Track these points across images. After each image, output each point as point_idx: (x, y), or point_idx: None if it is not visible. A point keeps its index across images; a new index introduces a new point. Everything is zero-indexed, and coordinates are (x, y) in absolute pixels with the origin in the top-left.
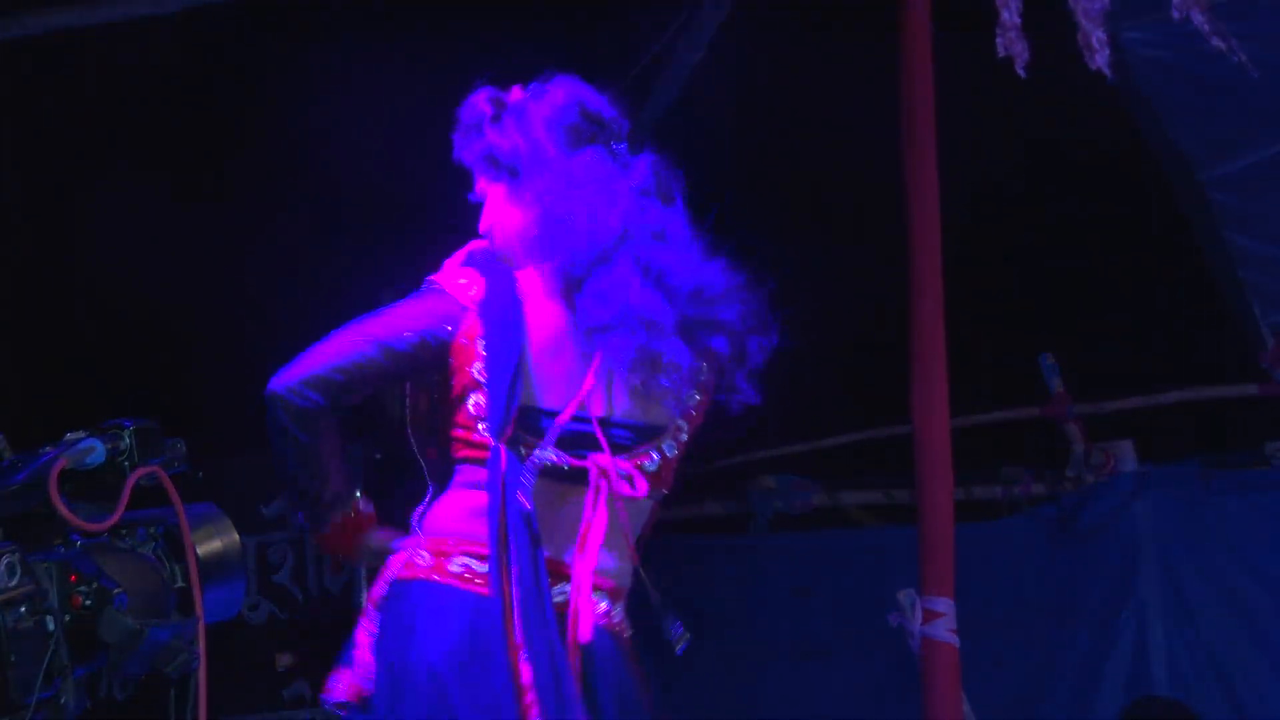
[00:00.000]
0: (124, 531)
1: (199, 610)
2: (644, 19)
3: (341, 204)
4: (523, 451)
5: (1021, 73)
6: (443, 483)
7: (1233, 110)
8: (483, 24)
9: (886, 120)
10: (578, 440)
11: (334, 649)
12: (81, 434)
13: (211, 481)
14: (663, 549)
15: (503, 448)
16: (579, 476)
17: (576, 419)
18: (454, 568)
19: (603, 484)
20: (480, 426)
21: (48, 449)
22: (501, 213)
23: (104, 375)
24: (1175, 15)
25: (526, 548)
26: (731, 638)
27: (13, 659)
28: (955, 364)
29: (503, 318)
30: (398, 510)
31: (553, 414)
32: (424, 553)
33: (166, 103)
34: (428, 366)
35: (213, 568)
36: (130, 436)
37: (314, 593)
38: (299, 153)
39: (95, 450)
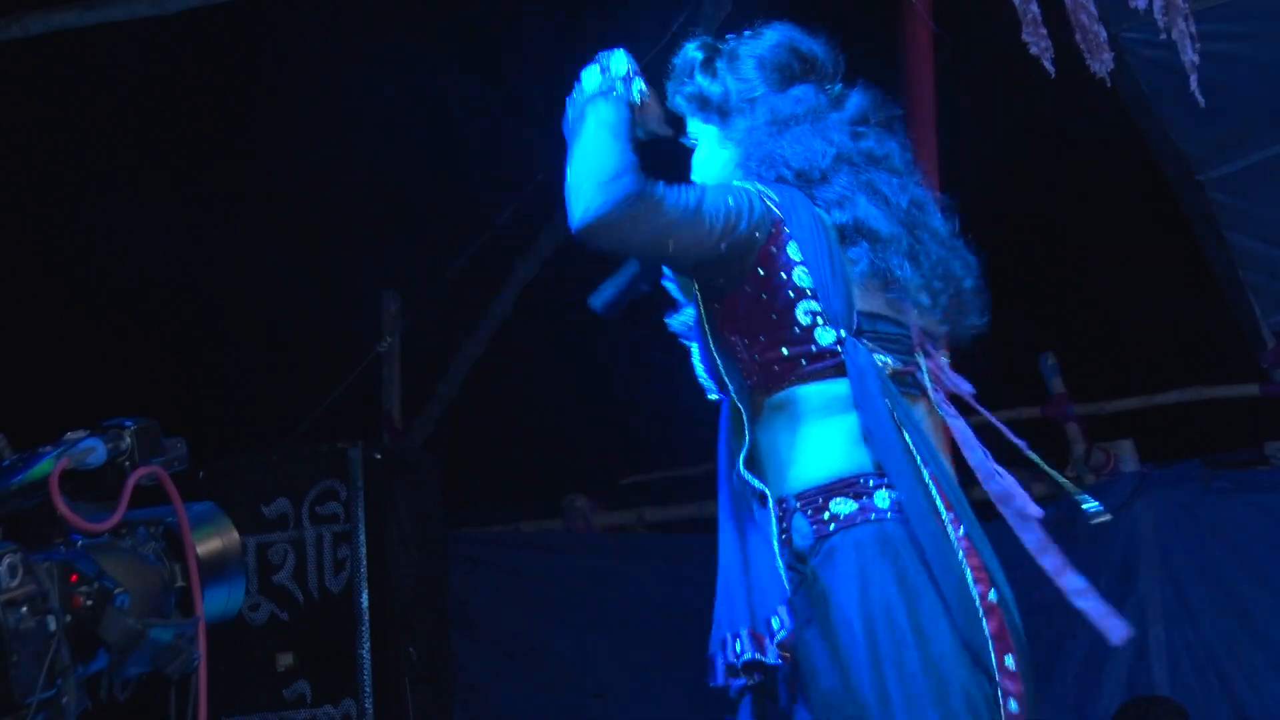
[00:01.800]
0: (124, 531)
1: (199, 610)
2: (644, 19)
3: (342, 203)
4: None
5: (1050, 69)
6: (765, 422)
7: (1233, 110)
8: (482, 25)
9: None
10: (897, 343)
11: (334, 649)
12: (82, 434)
13: (211, 481)
14: (664, 548)
15: (858, 342)
16: (909, 381)
17: (891, 320)
18: (880, 502)
19: (939, 385)
20: (818, 334)
21: (48, 449)
22: (712, 154)
23: (104, 375)
24: (1160, 23)
25: (928, 446)
26: None
27: (14, 659)
28: (955, 364)
29: (810, 217)
30: (400, 505)
31: (869, 315)
32: (844, 500)
33: (166, 103)
34: (730, 258)
35: (213, 567)
36: (131, 436)
37: (314, 593)
38: (299, 153)
39: (96, 450)
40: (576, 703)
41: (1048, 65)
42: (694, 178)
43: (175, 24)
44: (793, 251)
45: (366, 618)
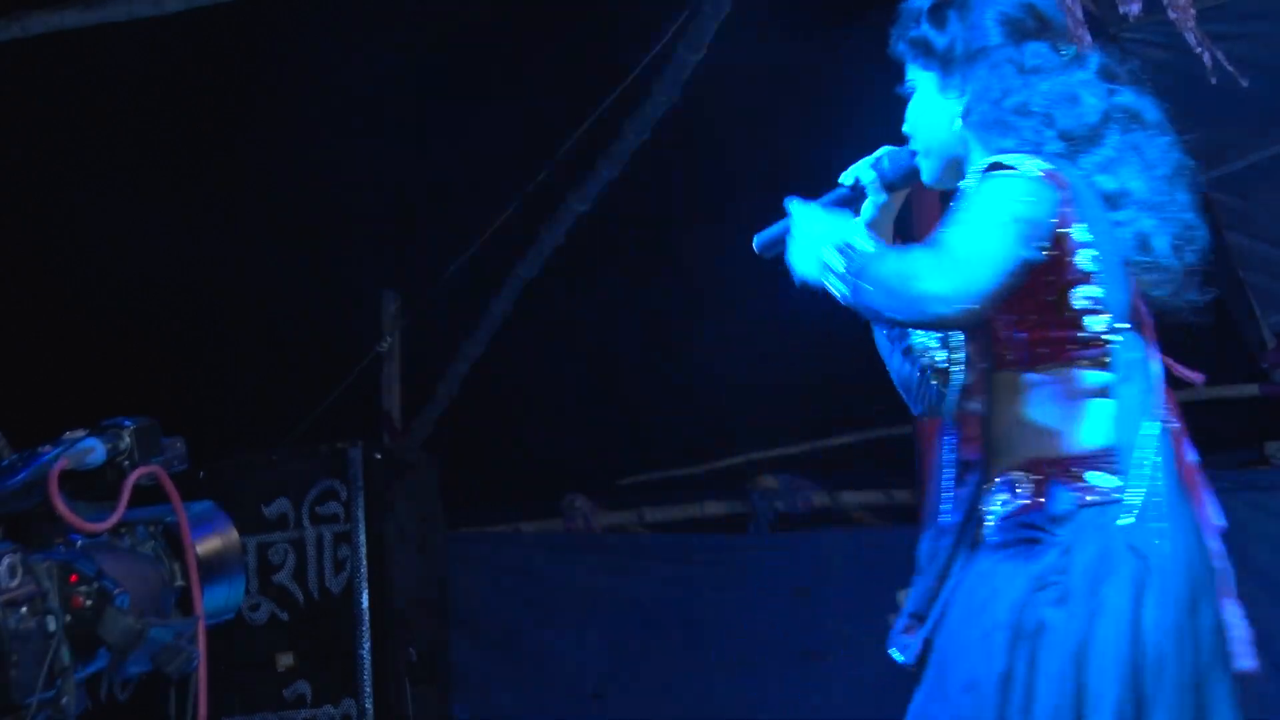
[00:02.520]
0: (124, 530)
1: (198, 609)
2: (644, 19)
3: (342, 203)
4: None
5: None
6: (1013, 398)
7: (1233, 110)
8: (484, 24)
9: (888, 119)
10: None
11: (334, 649)
12: (81, 433)
13: (211, 481)
14: (664, 548)
15: (1133, 335)
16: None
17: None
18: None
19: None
20: (1090, 321)
21: (47, 448)
22: (931, 102)
23: (104, 375)
24: (1171, 16)
25: (1171, 449)
26: (731, 637)
27: (14, 659)
28: None
29: (1093, 197)
30: (398, 504)
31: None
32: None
33: (166, 103)
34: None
35: (212, 566)
36: (130, 436)
37: (314, 593)
38: (299, 153)
39: (95, 450)
40: (576, 703)
41: None
42: (909, 125)
43: (175, 24)
44: (1079, 234)
45: (366, 618)
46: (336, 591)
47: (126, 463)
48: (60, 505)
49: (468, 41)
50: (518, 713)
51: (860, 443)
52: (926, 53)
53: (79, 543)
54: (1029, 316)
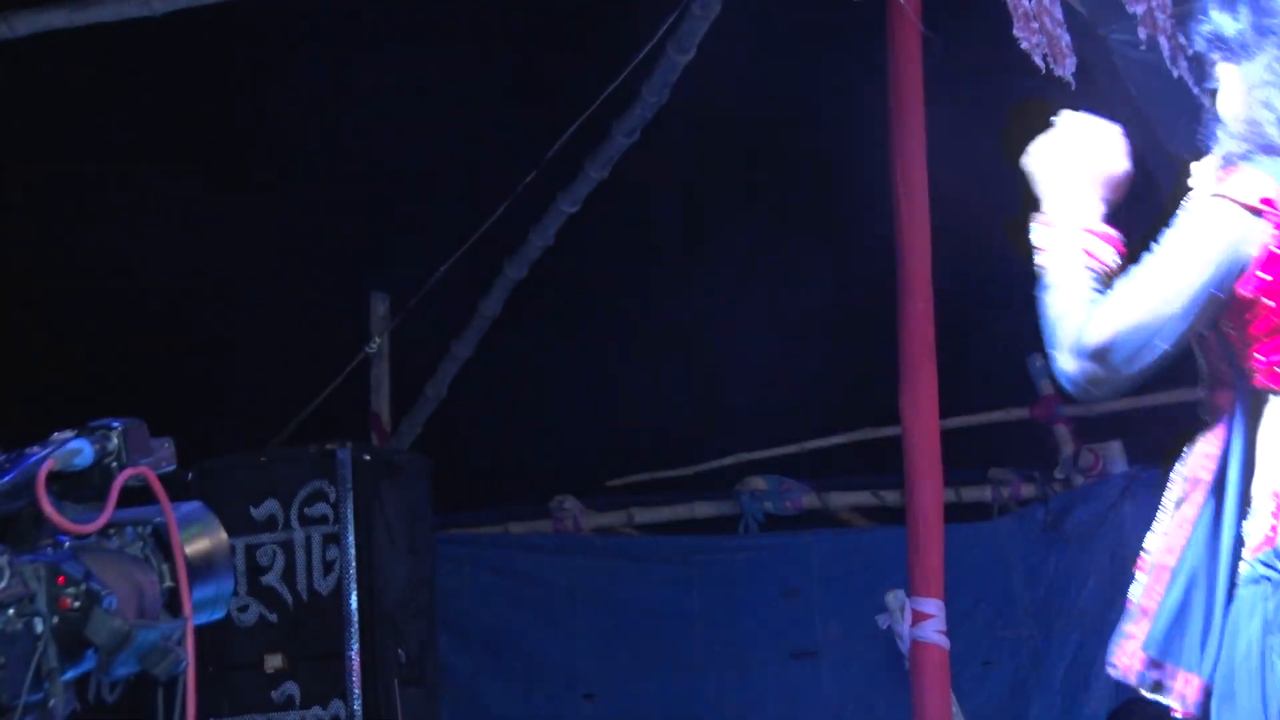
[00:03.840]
0: (112, 532)
1: (187, 610)
2: (634, 20)
3: (331, 204)
4: None
5: (1041, 64)
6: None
7: None
8: (479, 24)
9: (876, 120)
10: None
11: (323, 651)
12: (69, 434)
13: (200, 482)
14: (653, 550)
15: None
16: None
17: None
18: None
19: None
20: None
21: (35, 450)
22: (1233, 95)
23: (92, 375)
24: (1141, 35)
25: None
26: (721, 638)
27: (1, 661)
28: (944, 365)
29: None
30: (389, 506)
31: None
32: None
33: (155, 104)
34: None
35: (201, 567)
36: (118, 437)
37: (303, 595)
38: (287, 155)
39: (83, 451)
40: (566, 704)
41: (1038, 60)
42: (1218, 124)
43: (164, 25)
44: None
45: (355, 619)
46: (325, 593)
47: (114, 464)
48: (48, 507)
49: (457, 43)
50: (507, 714)
51: (848, 444)
52: (1220, 44)
53: (67, 544)
54: (1262, 338)
